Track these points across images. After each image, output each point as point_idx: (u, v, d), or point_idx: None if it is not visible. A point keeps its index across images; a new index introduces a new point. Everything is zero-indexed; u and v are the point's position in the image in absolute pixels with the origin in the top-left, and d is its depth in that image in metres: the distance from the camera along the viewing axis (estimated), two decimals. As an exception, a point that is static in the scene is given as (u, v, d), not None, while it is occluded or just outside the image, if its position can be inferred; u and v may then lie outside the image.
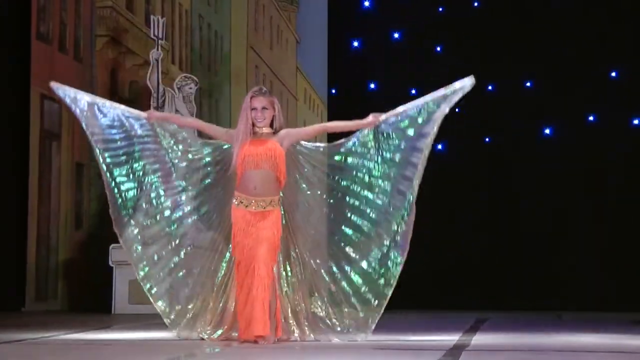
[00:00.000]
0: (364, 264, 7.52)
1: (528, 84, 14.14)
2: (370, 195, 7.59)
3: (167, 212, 7.71)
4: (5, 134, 12.28)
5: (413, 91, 13.49)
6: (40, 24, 12.55)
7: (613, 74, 14.13)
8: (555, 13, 14.11)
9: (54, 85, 7.84)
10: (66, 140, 12.72)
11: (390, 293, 7.46)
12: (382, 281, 7.48)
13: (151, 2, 13.59)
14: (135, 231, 7.67)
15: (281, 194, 7.41)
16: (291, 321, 7.44)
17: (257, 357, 6.32)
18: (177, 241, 7.68)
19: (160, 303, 7.64)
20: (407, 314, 10.85)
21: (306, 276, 7.53)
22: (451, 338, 7.61)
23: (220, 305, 7.52)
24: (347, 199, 7.63)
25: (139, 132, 7.74)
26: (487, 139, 14.21)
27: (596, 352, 6.61)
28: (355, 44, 14.64)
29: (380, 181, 7.59)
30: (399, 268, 7.46)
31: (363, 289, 7.53)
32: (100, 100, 7.83)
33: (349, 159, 7.63)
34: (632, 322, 10.31)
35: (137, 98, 13.35)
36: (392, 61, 14.24)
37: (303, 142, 7.60)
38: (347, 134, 7.78)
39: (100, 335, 7.97)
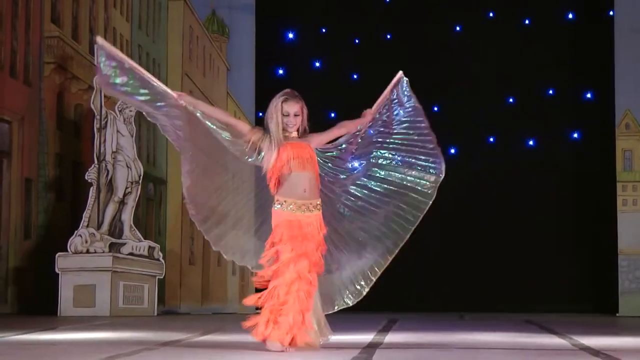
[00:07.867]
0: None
1: (435, 109, 14.30)
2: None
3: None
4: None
5: (332, 114, 13.57)
6: (-7, 51, 12.41)
7: (510, 100, 14.36)
8: (458, 43, 14.33)
9: (100, 41, 6.50)
10: (16, 157, 12.56)
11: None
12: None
13: (95, 33, 13.52)
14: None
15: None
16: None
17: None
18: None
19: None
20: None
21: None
22: (366, 337, 7.64)
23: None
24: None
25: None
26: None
27: (493, 348, 6.68)
28: (280, 71, 14.71)
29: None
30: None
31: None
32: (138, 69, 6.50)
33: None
34: (524, 321, 10.46)
35: (82, 120, 13.27)
36: (313, 87, 14.32)
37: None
38: None
39: (47, 336, 7.89)
